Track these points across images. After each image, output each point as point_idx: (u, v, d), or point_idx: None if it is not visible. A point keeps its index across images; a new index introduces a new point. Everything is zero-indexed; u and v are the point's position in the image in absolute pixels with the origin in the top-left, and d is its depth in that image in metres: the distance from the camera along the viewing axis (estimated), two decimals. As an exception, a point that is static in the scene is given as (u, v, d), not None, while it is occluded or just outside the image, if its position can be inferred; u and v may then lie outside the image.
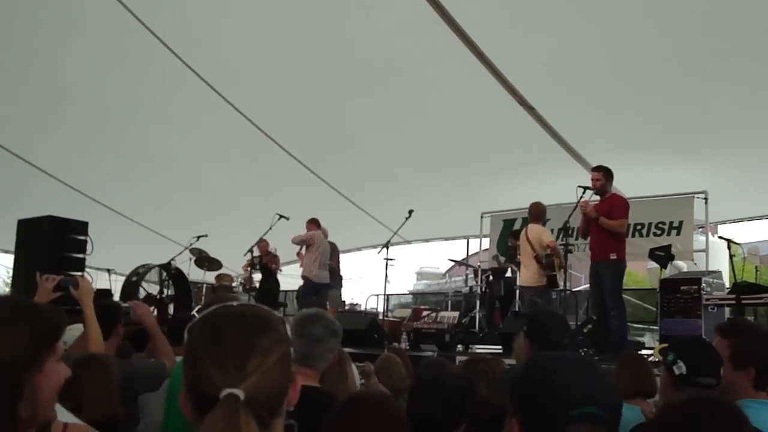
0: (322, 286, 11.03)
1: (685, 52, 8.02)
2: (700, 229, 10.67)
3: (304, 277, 11.03)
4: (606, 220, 7.46)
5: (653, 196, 10.47)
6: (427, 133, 10.71)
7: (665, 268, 8.79)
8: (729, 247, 8.15)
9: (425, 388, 2.65)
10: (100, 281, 11.84)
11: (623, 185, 8.99)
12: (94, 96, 10.50)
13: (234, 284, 13.55)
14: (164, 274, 10.95)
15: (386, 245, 10.46)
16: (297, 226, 11.22)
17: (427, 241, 16.19)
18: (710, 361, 2.72)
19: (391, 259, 10.57)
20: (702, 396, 1.77)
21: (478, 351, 9.21)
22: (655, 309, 9.19)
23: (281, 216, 11.05)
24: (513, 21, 7.97)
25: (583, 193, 7.62)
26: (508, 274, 10.98)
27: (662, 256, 8.65)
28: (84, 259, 7.43)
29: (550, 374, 1.46)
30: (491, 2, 7.78)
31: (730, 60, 7.97)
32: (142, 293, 10.30)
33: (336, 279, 11.95)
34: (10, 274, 8.91)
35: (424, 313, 12.38)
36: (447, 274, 39.54)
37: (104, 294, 8.69)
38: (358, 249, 16.05)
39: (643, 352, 8.12)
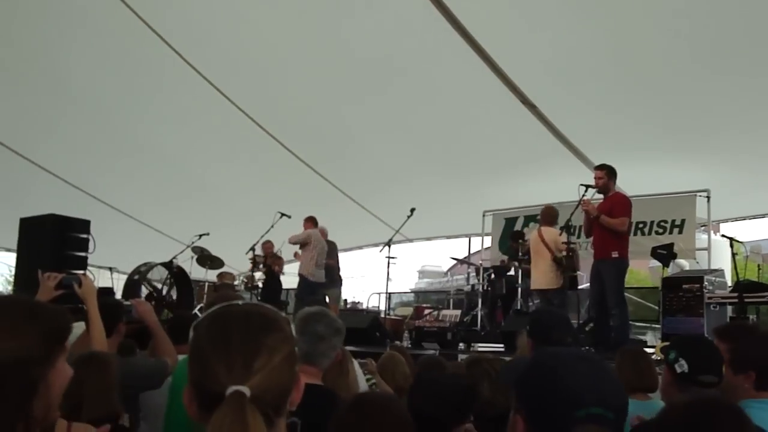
0: (319, 285, 11.00)
1: (688, 51, 8.01)
2: (703, 228, 10.67)
3: (300, 275, 11.02)
4: (607, 218, 7.44)
5: (655, 194, 10.46)
6: (428, 132, 10.70)
7: (667, 267, 8.78)
8: (731, 246, 8.14)
9: (424, 387, 2.65)
10: (102, 279, 11.87)
11: (625, 183, 8.98)
12: (97, 94, 10.50)
13: (236, 282, 13.56)
14: (166, 272, 10.96)
15: (388, 243, 10.47)
16: (299, 224, 11.22)
17: (428, 239, 16.19)
18: (712, 359, 2.71)
19: (392, 258, 10.59)
20: (704, 397, 1.77)
21: (479, 349, 9.21)
22: (657, 307, 9.18)
23: (283, 214, 11.06)
24: (515, 19, 7.97)
25: (586, 191, 7.61)
26: (510, 272, 10.98)
27: (664, 254, 8.64)
28: (86, 258, 7.45)
29: (557, 372, 1.45)
30: (493, 0, 7.77)
31: (732, 59, 7.96)
32: (144, 291, 10.30)
33: (335, 278, 11.94)
34: (13, 272, 8.93)
35: (426, 311, 12.39)
36: (449, 273, 39.57)
37: (106, 292, 8.70)
38: (360, 247, 16.06)
39: (645, 350, 8.12)
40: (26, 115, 10.89)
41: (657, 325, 9.14)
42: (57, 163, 12.13)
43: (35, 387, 1.49)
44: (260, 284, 12.66)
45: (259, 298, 12.02)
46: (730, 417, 1.61)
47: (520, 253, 10.10)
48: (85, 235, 7.43)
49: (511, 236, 10.95)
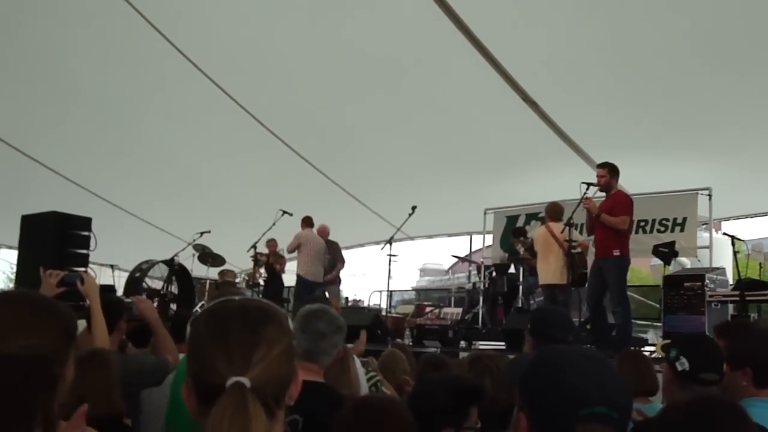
0: (316, 285, 10.99)
1: (689, 49, 8.01)
2: (704, 226, 10.65)
3: (297, 275, 11.05)
4: (607, 216, 7.43)
5: (657, 192, 10.44)
6: (430, 129, 10.70)
7: (669, 265, 8.77)
8: (733, 244, 8.14)
9: (425, 386, 2.65)
10: (103, 277, 11.87)
11: (627, 181, 8.97)
12: (99, 92, 10.51)
13: (237, 280, 13.56)
14: (168, 269, 10.96)
15: (389, 241, 10.47)
16: (300, 222, 11.25)
17: (430, 237, 16.18)
18: (713, 357, 2.71)
19: (394, 256, 10.59)
20: (705, 396, 1.77)
21: (481, 347, 9.21)
22: (658, 306, 9.17)
23: (284, 212, 11.06)
24: (516, 17, 7.96)
25: (587, 189, 7.60)
26: (511, 270, 10.97)
27: (666, 252, 8.63)
28: (87, 255, 7.45)
29: (561, 370, 1.44)
30: (495, -2, 7.79)
31: (734, 57, 7.95)
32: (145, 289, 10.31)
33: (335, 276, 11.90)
34: (14, 269, 8.94)
35: (427, 309, 12.38)
36: (450, 271, 39.55)
37: (108, 290, 8.70)
38: (361, 245, 16.05)
39: (646, 348, 8.12)
40: (28, 112, 10.90)
41: (658, 324, 9.13)
42: (59, 161, 12.14)
43: (56, 382, 1.53)
44: (262, 282, 12.66)
45: (260, 296, 12.01)
46: (730, 415, 1.60)
47: (521, 251, 10.10)
48: (86, 233, 7.43)
49: (513, 232, 10.94)
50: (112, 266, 12.60)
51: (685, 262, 10.59)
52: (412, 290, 23.94)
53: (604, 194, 7.72)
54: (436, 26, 7.90)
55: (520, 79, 8.73)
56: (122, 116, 11.15)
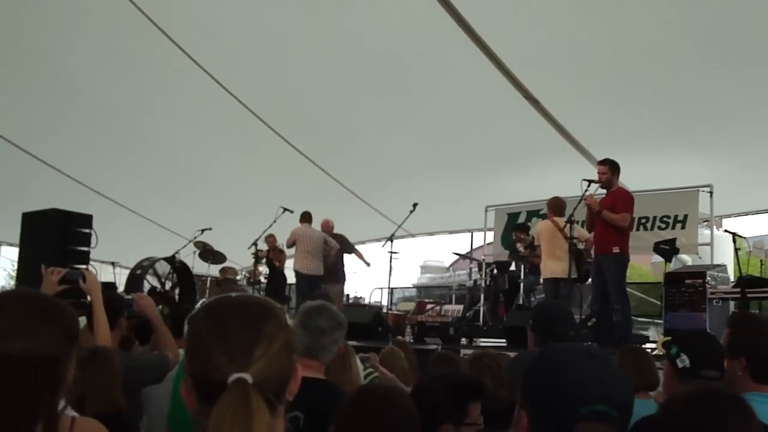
0: (316, 278, 10.94)
1: (691, 46, 8.00)
2: (705, 223, 10.64)
3: (295, 271, 11.04)
4: (609, 213, 7.43)
5: (658, 189, 10.43)
6: (431, 126, 10.70)
7: (670, 262, 8.75)
8: (734, 241, 8.12)
9: (426, 383, 2.65)
10: (104, 274, 11.86)
11: (628, 179, 8.96)
12: (99, 89, 10.51)
13: (238, 277, 13.56)
14: (169, 267, 10.96)
15: (390, 238, 10.46)
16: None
17: (431, 234, 16.19)
18: (713, 354, 2.72)
19: (395, 253, 10.58)
20: (706, 387, 1.76)
21: (482, 344, 9.21)
22: (659, 303, 9.16)
23: (285, 209, 11.05)
24: (518, 14, 7.96)
25: (588, 186, 7.59)
26: (512, 267, 10.96)
27: (667, 249, 8.61)
28: (88, 252, 7.47)
29: (563, 368, 1.44)
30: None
31: (735, 53, 7.94)
32: (146, 286, 10.30)
33: (339, 273, 11.85)
34: (15, 266, 8.94)
35: (428, 306, 12.38)
36: (451, 268, 39.52)
37: (109, 287, 8.70)
38: (362, 242, 16.02)
39: (647, 345, 8.11)
40: (29, 109, 10.91)
41: (659, 321, 9.11)
42: (60, 158, 12.15)
43: (60, 382, 1.55)
44: (263, 279, 12.66)
45: (262, 292, 12.01)
46: (732, 406, 1.60)
47: (522, 248, 10.09)
48: (87, 230, 7.45)
49: (515, 228, 10.93)
50: (113, 263, 12.58)
51: (686, 259, 10.58)
52: (413, 287, 23.93)
53: (604, 191, 7.72)
54: (438, 23, 7.89)
55: (521, 76, 8.72)
56: (123, 113, 11.16)
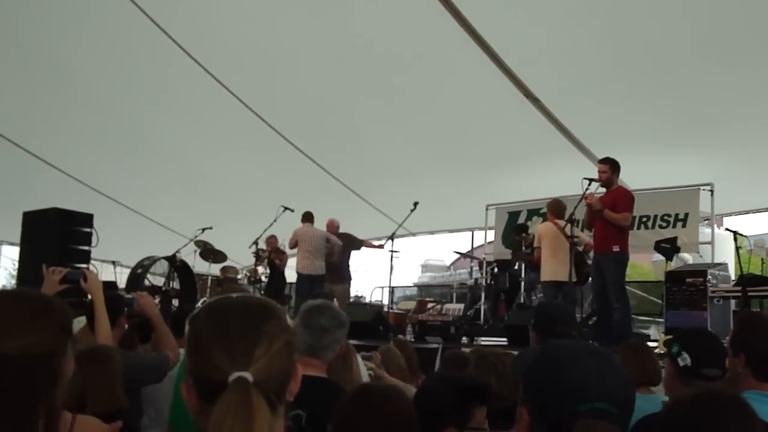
0: (317, 278, 10.94)
1: (691, 45, 8.00)
2: (706, 222, 10.64)
3: (297, 272, 11.05)
4: (610, 213, 7.42)
5: (659, 188, 10.42)
6: (432, 125, 10.69)
7: (671, 261, 8.75)
8: (735, 240, 8.13)
9: (431, 382, 2.65)
10: (105, 273, 11.87)
11: (628, 177, 8.96)
12: (100, 88, 10.51)
13: (239, 276, 13.56)
14: (169, 266, 10.96)
15: (391, 237, 10.47)
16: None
17: (432, 233, 16.19)
18: (715, 352, 2.72)
19: (396, 252, 10.58)
20: (710, 391, 1.76)
21: (483, 343, 9.20)
22: (660, 301, 9.17)
23: (286, 208, 11.05)
24: (518, 13, 7.95)
25: (589, 185, 7.58)
26: (514, 266, 10.96)
27: (668, 248, 8.61)
28: (89, 251, 7.47)
29: (563, 365, 1.44)
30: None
31: (736, 52, 7.94)
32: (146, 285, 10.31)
33: (344, 273, 11.82)
34: (16, 265, 8.94)
35: (429, 305, 12.39)
36: (452, 267, 39.53)
37: (109, 286, 8.70)
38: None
39: (648, 344, 8.10)
40: (30, 108, 10.90)
41: (660, 319, 9.11)
42: (60, 157, 12.15)
43: (57, 378, 1.57)
44: (263, 278, 12.65)
45: (262, 292, 12.02)
46: (735, 410, 1.60)
47: (523, 247, 10.09)
48: (88, 229, 7.44)
49: (515, 229, 10.93)
50: (113, 263, 12.59)
51: (687, 257, 10.58)
52: (414, 286, 23.96)
53: (604, 190, 7.71)
54: (439, 22, 7.89)
55: (522, 75, 8.71)
56: (124, 113, 11.16)
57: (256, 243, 11.63)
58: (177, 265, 10.88)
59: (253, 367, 1.19)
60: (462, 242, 16.97)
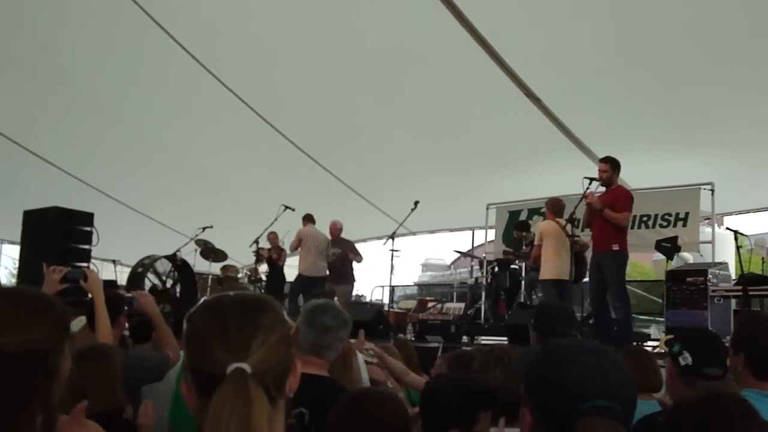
0: (318, 280, 10.95)
1: (692, 44, 7.99)
2: (707, 221, 10.64)
3: (300, 273, 11.07)
4: (611, 212, 7.41)
5: (659, 187, 10.42)
6: (432, 125, 10.69)
7: (671, 260, 8.75)
8: (736, 239, 8.12)
9: (436, 383, 2.65)
10: (105, 272, 11.88)
11: (629, 176, 8.96)
12: (100, 87, 10.51)
13: (239, 275, 13.56)
14: (170, 265, 10.96)
15: (392, 236, 10.45)
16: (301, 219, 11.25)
17: (432, 232, 16.19)
18: (716, 351, 2.71)
19: (396, 251, 10.58)
20: (714, 392, 1.76)
21: (483, 342, 9.20)
22: (660, 300, 9.16)
23: (287, 207, 11.05)
24: (519, 12, 7.95)
25: (590, 184, 7.58)
26: (514, 265, 10.95)
27: (668, 247, 8.61)
28: (90, 250, 7.48)
29: (564, 364, 1.43)
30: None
31: (736, 51, 7.94)
32: (147, 284, 10.31)
33: (347, 274, 11.82)
34: (16, 264, 8.94)
35: (430, 304, 12.39)
36: (452, 266, 39.54)
37: (110, 285, 8.70)
38: (364, 240, 16.04)
39: (649, 343, 8.11)
40: (30, 107, 10.91)
41: (661, 319, 9.12)
42: (61, 156, 12.15)
43: (54, 375, 1.57)
44: (263, 277, 12.65)
45: (262, 291, 12.01)
46: (739, 413, 1.60)
47: (523, 244, 10.09)
48: (88, 228, 7.45)
49: (516, 226, 10.92)
50: (114, 261, 12.60)
51: (688, 257, 10.59)
52: (415, 285, 23.96)
53: (604, 189, 7.70)
54: (440, 21, 7.89)
55: (523, 74, 8.71)
56: (125, 112, 11.16)
57: (256, 242, 11.63)
58: (177, 264, 10.88)
59: (251, 358, 1.20)
60: (462, 241, 16.96)
